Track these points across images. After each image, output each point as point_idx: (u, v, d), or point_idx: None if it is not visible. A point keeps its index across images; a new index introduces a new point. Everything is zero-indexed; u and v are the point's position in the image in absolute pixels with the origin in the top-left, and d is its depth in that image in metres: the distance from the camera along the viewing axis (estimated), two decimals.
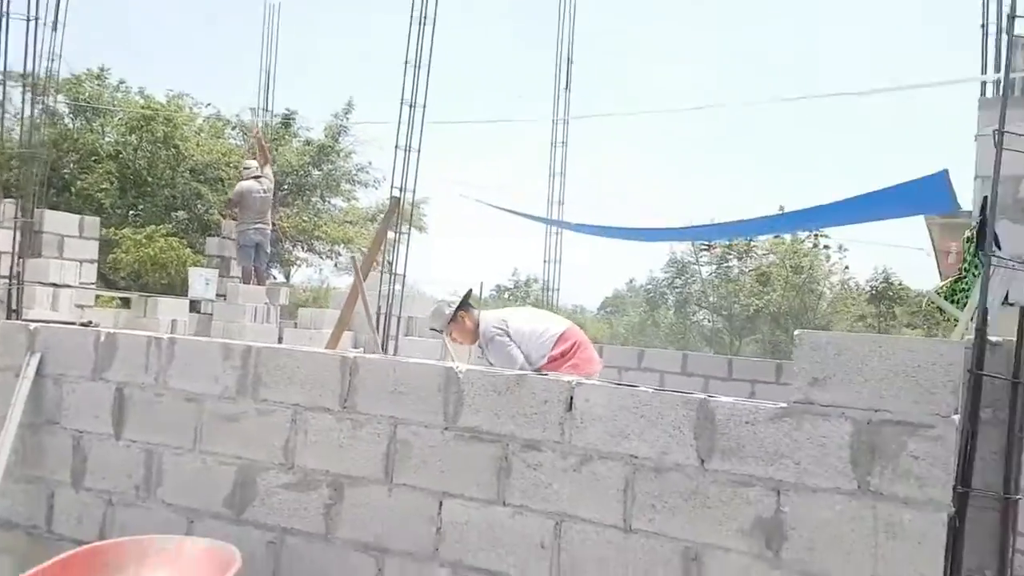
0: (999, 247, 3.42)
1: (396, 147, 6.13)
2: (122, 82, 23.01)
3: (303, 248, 25.94)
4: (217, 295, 9.62)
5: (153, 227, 20.17)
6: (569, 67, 9.27)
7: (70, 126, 22.09)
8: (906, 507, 2.16)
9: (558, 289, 10.18)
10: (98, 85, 22.40)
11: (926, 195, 5.80)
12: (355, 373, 3.00)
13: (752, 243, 27.81)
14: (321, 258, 26.39)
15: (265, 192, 10.50)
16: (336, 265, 26.17)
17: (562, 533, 2.65)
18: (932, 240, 11.32)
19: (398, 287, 6.66)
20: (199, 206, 23.43)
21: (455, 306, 4.67)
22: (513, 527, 2.72)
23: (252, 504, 3.11)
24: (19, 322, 3.74)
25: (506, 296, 36.87)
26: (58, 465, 3.50)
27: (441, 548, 2.81)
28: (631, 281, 43.44)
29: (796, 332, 2.34)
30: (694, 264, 29.36)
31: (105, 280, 20.30)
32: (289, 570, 3.02)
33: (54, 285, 7.70)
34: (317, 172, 24.68)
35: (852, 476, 2.25)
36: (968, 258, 4.09)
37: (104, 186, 21.13)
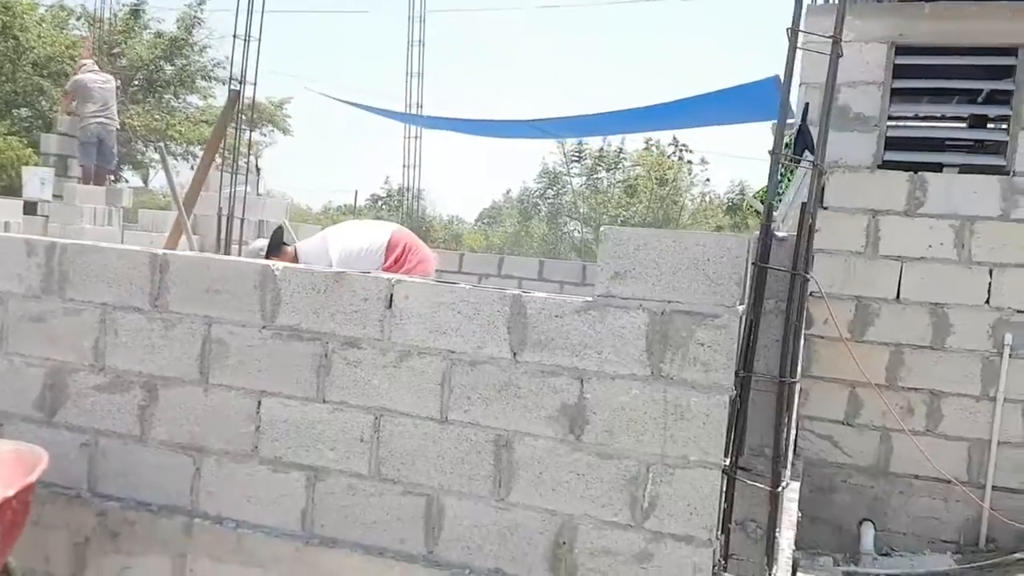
0: (812, 151, 3.60)
1: (235, 36, 5.76)
2: None
3: (156, 149, 24.52)
4: (55, 196, 8.99)
5: None
6: None
7: None
8: (693, 391, 2.31)
9: (419, 197, 10.04)
10: None
11: (759, 101, 6.02)
12: (165, 271, 2.88)
13: (621, 154, 28.36)
14: (176, 160, 25.05)
15: (106, 82, 9.79)
16: (192, 167, 24.93)
17: (381, 427, 2.68)
18: None
19: (244, 188, 6.38)
20: (42, 102, 21.65)
21: (265, 252, 4.40)
22: (333, 423, 2.73)
23: (63, 406, 2.99)
24: None
25: (379, 205, 36.20)
26: None
27: (260, 446, 2.79)
28: (507, 192, 43.62)
29: (602, 228, 2.41)
30: (566, 175, 29.69)
31: None
32: (104, 471, 2.95)
33: None
34: (170, 67, 23.16)
35: (647, 364, 2.37)
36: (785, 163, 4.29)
37: None
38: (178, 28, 22.42)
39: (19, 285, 3.04)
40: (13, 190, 17.90)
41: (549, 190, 30.25)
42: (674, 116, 6.96)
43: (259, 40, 5.78)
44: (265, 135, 24.57)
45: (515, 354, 2.53)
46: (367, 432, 2.70)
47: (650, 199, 28.02)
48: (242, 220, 6.14)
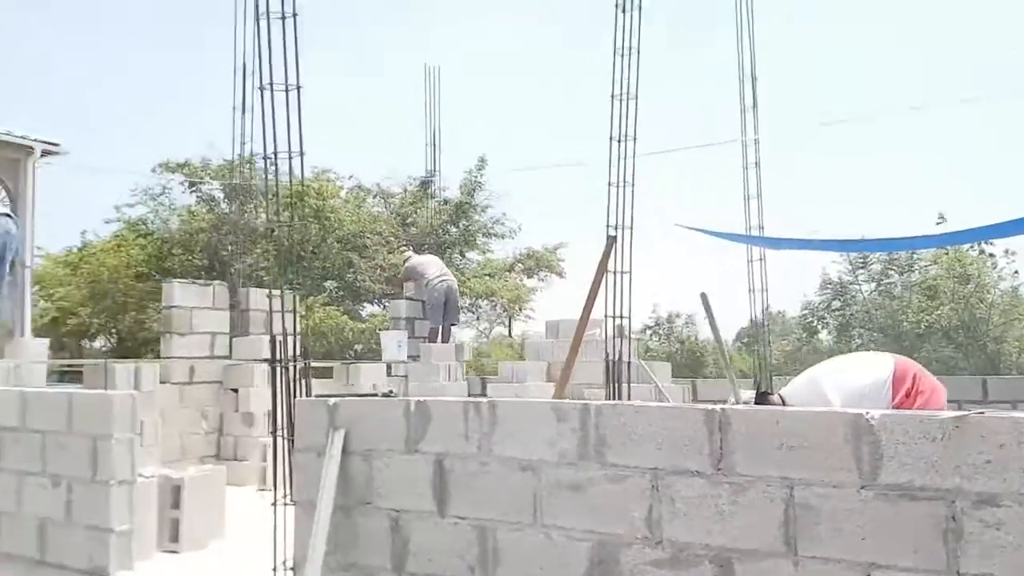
0: None
1: (608, 184, 5.80)
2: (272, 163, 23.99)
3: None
4: (409, 357, 9.57)
5: (311, 298, 20.75)
6: (754, 84, 8.81)
7: (226, 209, 23.21)
8: None
9: (768, 309, 9.48)
10: (248, 169, 23.51)
11: None
12: (726, 429, 2.60)
13: (914, 255, 26.19)
14: (464, 313, 26.57)
15: (429, 258, 10.86)
16: (477, 319, 26.41)
17: None
18: None
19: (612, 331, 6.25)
20: (348, 275, 24.04)
21: (753, 404, 4.00)
22: None
23: None
24: (317, 399, 3.56)
25: (647, 335, 35.88)
26: (376, 549, 3.25)
27: None
28: (766, 308, 41.58)
29: None
30: (853, 283, 27.86)
31: None
32: None
33: (267, 361, 7.73)
34: (454, 229, 24.95)
35: None
36: None
37: (263, 264, 21.98)
38: (461, 193, 24.28)
39: (551, 452, 2.90)
40: (331, 354, 19.80)
41: (834, 301, 28.43)
42: None
43: (632, 184, 5.77)
44: (542, 280, 25.50)
45: None
46: None
47: (953, 300, 25.33)
48: (629, 364, 5.99)
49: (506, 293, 25.11)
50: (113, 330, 24.01)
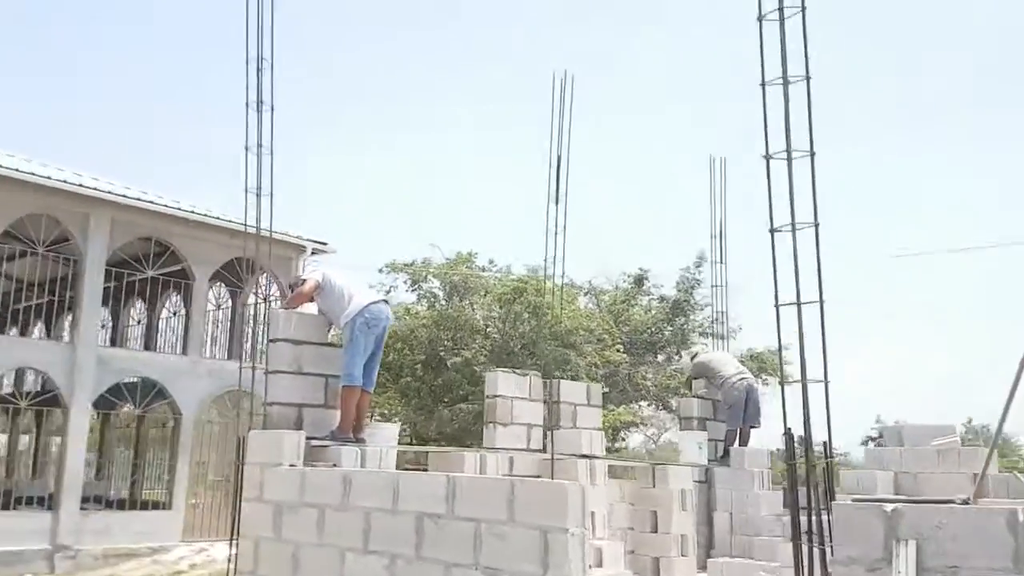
0: None
1: None
2: (491, 261, 24.64)
3: (657, 406, 25.44)
4: (710, 460, 9.00)
5: None
6: None
7: (445, 305, 23.87)
8: None
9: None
10: (468, 267, 24.20)
11: None
12: None
13: None
14: (669, 413, 25.70)
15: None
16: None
17: None
18: None
19: None
20: (562, 371, 23.83)
21: None
22: None
23: None
24: (865, 502, 3.11)
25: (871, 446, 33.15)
26: None
27: None
28: (970, 421, 37.68)
29: None
30: None
31: None
32: None
33: (585, 456, 7.43)
34: (669, 329, 24.33)
35: None
36: None
37: (480, 359, 22.21)
38: (678, 291, 23.77)
39: None
40: (544, 450, 19.36)
41: None
42: None
43: None
44: (766, 383, 24.24)
45: None
46: None
47: None
48: None
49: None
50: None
